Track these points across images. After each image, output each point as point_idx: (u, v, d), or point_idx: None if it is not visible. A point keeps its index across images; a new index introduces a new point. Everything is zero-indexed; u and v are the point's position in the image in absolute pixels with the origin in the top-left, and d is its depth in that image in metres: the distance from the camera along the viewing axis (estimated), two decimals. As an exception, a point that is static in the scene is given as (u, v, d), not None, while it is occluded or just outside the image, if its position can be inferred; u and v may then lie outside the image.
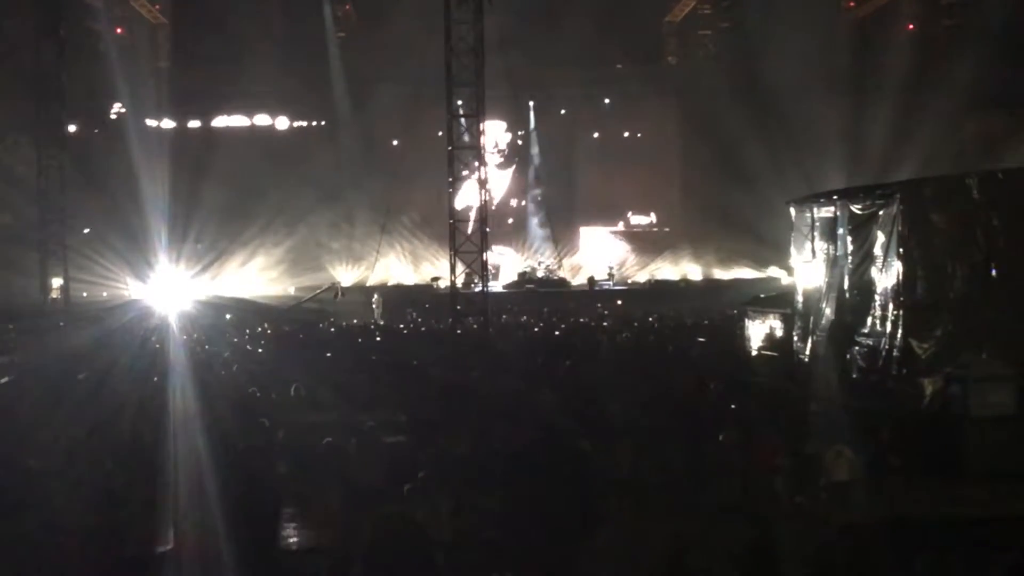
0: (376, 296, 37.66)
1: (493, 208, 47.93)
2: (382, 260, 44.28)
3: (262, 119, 48.10)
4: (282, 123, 48.33)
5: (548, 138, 49.49)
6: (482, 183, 26.57)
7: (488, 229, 26.50)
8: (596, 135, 49.50)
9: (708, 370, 18.14)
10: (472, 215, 27.09)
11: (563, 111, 49.41)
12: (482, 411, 13.63)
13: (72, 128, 33.22)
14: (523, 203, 50.44)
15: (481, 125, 26.56)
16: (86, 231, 36.86)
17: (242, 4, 41.34)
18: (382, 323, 33.42)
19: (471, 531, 9.41)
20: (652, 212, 50.48)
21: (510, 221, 49.32)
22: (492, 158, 48.49)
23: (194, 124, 47.56)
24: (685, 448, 12.32)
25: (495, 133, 48.66)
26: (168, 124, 46.21)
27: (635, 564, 8.79)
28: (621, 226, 50.43)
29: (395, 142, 47.77)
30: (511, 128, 49.95)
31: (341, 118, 47.28)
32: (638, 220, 50.62)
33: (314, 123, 48.67)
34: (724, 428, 12.69)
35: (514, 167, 50.40)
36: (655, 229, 50.30)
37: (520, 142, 50.31)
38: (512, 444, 10.98)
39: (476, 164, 26.60)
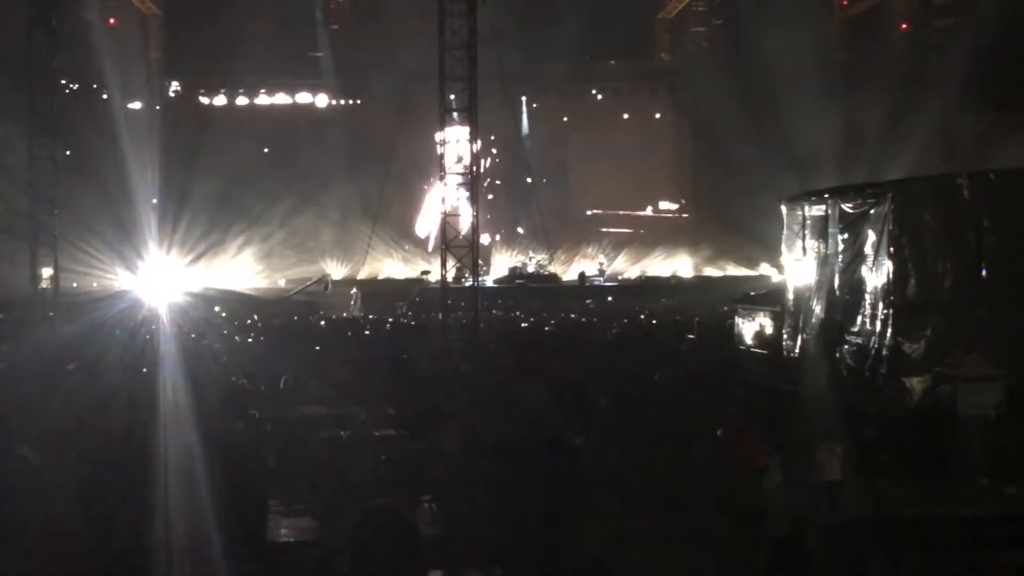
0: (354, 290, 37.46)
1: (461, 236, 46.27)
2: (372, 253, 43.97)
3: (256, 105, 47.75)
4: (275, 107, 47.81)
5: (539, 134, 49.08)
6: (474, 179, 26.44)
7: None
8: (587, 130, 49.19)
9: (697, 366, 18.19)
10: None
11: (554, 106, 49.05)
12: (473, 405, 13.64)
13: (63, 118, 32.92)
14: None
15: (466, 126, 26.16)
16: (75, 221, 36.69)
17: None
18: (370, 316, 33.24)
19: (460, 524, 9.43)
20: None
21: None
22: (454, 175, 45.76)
23: (187, 109, 47.11)
24: (674, 445, 12.36)
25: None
26: (161, 115, 45.80)
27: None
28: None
29: (387, 135, 47.30)
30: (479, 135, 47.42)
31: (333, 109, 47.06)
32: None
33: (307, 113, 48.23)
34: (712, 425, 12.73)
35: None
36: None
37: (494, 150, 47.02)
38: (503, 438, 10.98)
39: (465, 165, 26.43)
